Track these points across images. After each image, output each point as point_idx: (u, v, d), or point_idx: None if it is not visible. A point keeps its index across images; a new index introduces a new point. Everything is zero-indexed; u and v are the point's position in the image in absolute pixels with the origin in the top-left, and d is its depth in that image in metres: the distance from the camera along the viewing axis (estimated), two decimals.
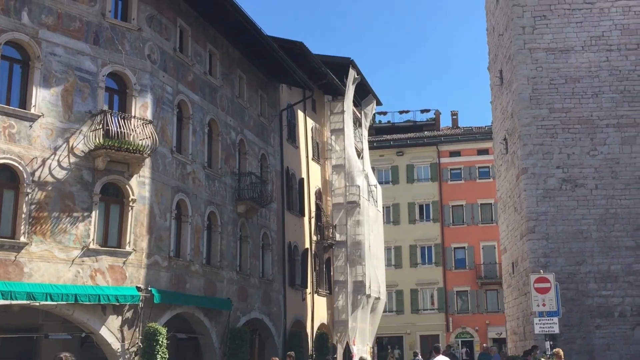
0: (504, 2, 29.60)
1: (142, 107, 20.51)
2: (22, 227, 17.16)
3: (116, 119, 19.39)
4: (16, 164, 17.29)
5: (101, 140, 18.80)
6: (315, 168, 34.52)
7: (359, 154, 38.51)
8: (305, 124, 33.58)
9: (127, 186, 19.73)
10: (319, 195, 34.86)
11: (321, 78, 33.27)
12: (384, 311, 41.89)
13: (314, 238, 33.36)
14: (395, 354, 49.64)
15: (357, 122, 39.27)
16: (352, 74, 35.31)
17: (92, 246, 18.58)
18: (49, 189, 17.90)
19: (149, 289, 19.58)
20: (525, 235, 26.56)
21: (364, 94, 39.29)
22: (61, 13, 18.91)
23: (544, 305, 20.27)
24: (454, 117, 60.61)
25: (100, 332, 18.47)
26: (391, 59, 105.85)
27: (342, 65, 35.14)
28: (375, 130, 58.27)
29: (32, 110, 17.87)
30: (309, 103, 34.09)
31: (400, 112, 63.09)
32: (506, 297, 32.70)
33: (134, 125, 19.71)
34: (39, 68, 18.21)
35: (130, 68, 20.41)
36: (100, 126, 18.98)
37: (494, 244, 48.27)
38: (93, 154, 18.85)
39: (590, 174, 26.36)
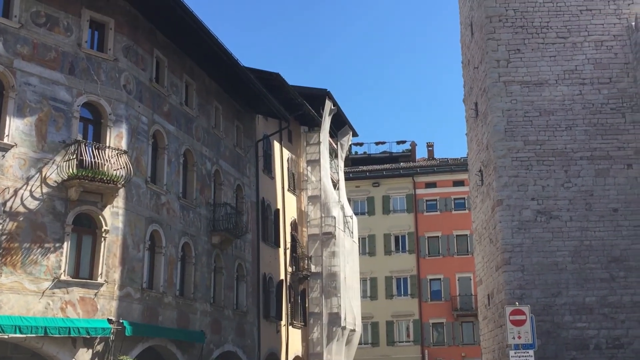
0: (479, 36, 29.93)
1: (117, 137, 20.37)
2: None
3: (90, 149, 19.24)
4: None
5: (75, 171, 18.61)
6: (290, 199, 34.43)
7: (335, 184, 38.52)
8: (281, 154, 33.56)
9: (100, 217, 19.51)
10: (294, 226, 34.74)
11: (298, 109, 33.37)
12: (360, 343, 41.61)
13: (289, 269, 33.16)
14: None
15: (333, 153, 39.34)
16: (328, 105, 35.43)
17: (63, 277, 18.29)
18: (21, 219, 17.65)
19: (121, 321, 19.28)
20: (501, 267, 26.56)
21: (340, 125, 39.44)
22: (37, 43, 18.82)
23: (519, 337, 20.20)
24: (429, 148, 61.01)
25: None
26: (367, 91, 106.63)
27: (318, 97, 35.28)
28: (352, 161, 58.45)
29: (5, 140, 17.67)
30: (285, 134, 34.13)
31: (377, 144, 63.54)
32: (482, 329, 32.61)
33: (109, 156, 19.55)
34: (13, 98, 18.05)
35: (106, 98, 20.30)
36: (74, 156, 18.81)
37: (470, 275, 48.34)
38: (66, 184, 18.64)
39: (565, 205, 26.49)
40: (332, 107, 35.86)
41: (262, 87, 28.17)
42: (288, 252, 33.15)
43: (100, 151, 19.41)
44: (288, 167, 34.48)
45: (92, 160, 19.05)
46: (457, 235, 52.02)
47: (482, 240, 30.70)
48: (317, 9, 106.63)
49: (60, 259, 18.34)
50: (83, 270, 19.26)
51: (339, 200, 37.01)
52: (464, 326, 50.60)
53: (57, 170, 18.57)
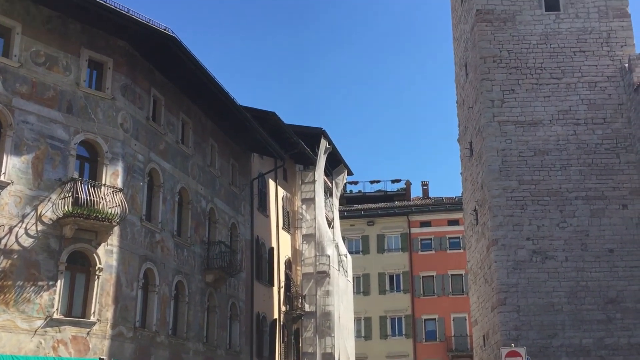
0: (473, 76, 30.21)
1: (113, 175, 20.36)
2: None
3: (86, 186, 19.20)
4: None
5: (70, 208, 18.56)
6: (285, 237, 34.33)
7: (330, 223, 38.46)
8: (276, 192, 33.54)
9: (94, 255, 19.40)
10: (288, 264, 34.59)
11: (293, 147, 33.45)
12: None
13: (283, 308, 32.93)
14: None
15: (328, 192, 39.35)
16: (323, 143, 35.54)
17: (55, 316, 18.12)
18: (15, 257, 17.55)
19: None
20: (496, 308, 26.46)
21: (335, 163, 39.54)
22: (36, 82, 18.92)
23: None
24: (424, 187, 61.10)
25: None
26: (362, 129, 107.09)
27: (313, 135, 35.41)
28: (346, 199, 58.44)
29: (2, 178, 17.62)
30: (280, 172, 34.16)
31: (371, 182, 63.52)
32: None
33: (104, 193, 19.51)
34: (10, 136, 18.08)
35: (103, 136, 20.33)
36: (70, 194, 18.77)
37: (465, 315, 48.04)
38: (61, 221, 18.58)
39: (560, 246, 26.51)
40: (327, 145, 35.98)
41: (257, 125, 28.28)
42: (282, 291, 32.95)
43: (96, 189, 19.37)
44: (283, 206, 34.46)
45: (88, 198, 19.00)
46: (452, 275, 51.84)
47: (477, 280, 30.62)
48: (313, 49, 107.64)
49: (53, 297, 18.19)
50: (76, 309, 19.07)
51: (333, 239, 36.93)
52: None
53: (52, 208, 18.52)
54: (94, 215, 18.89)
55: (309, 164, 36.20)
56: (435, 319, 51.32)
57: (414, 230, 53.42)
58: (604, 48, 28.69)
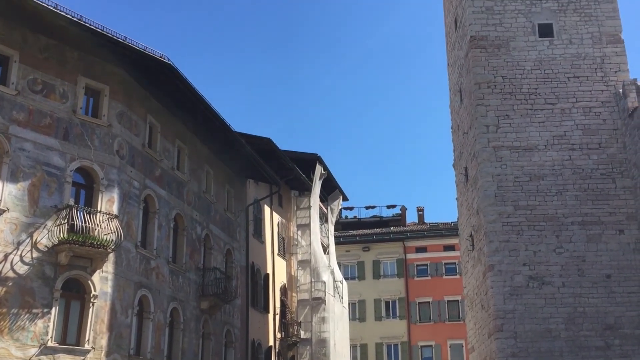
0: (468, 102, 30.30)
1: (108, 202, 20.33)
2: None
3: (81, 213, 19.19)
4: None
5: (65, 235, 18.51)
6: (280, 263, 34.20)
7: (325, 249, 38.36)
8: (271, 218, 33.48)
9: (89, 282, 19.31)
10: (284, 291, 34.42)
11: (288, 173, 33.48)
12: None
13: (278, 335, 32.71)
14: None
15: (323, 218, 39.29)
16: (319, 169, 35.56)
17: (50, 344, 18.00)
18: (10, 284, 17.46)
19: None
20: (493, 334, 26.28)
21: (330, 189, 39.51)
22: (33, 109, 18.98)
23: None
24: (420, 213, 61.01)
25: None
26: (358, 155, 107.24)
27: (309, 161, 35.43)
28: (342, 225, 58.30)
29: None
30: (275, 198, 34.13)
31: (367, 208, 63.42)
32: None
33: (100, 220, 19.48)
34: (7, 163, 18.11)
35: (99, 163, 20.34)
36: (65, 221, 18.74)
37: (462, 342, 47.71)
38: (56, 248, 18.51)
39: (557, 271, 26.37)
40: (323, 171, 36.00)
41: (253, 152, 28.31)
42: (277, 317, 32.76)
43: (91, 216, 19.34)
44: (278, 232, 34.37)
45: (83, 224, 18.98)
46: (448, 301, 51.60)
47: (473, 306, 30.46)
48: (309, 76, 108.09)
49: (47, 324, 18.07)
50: (70, 336, 18.96)
51: (329, 265, 36.80)
52: None
53: (47, 235, 18.46)
54: (89, 242, 18.85)
55: (304, 189, 36.19)
56: (431, 345, 50.99)
57: (410, 255, 53.26)
58: (598, 73, 28.78)
